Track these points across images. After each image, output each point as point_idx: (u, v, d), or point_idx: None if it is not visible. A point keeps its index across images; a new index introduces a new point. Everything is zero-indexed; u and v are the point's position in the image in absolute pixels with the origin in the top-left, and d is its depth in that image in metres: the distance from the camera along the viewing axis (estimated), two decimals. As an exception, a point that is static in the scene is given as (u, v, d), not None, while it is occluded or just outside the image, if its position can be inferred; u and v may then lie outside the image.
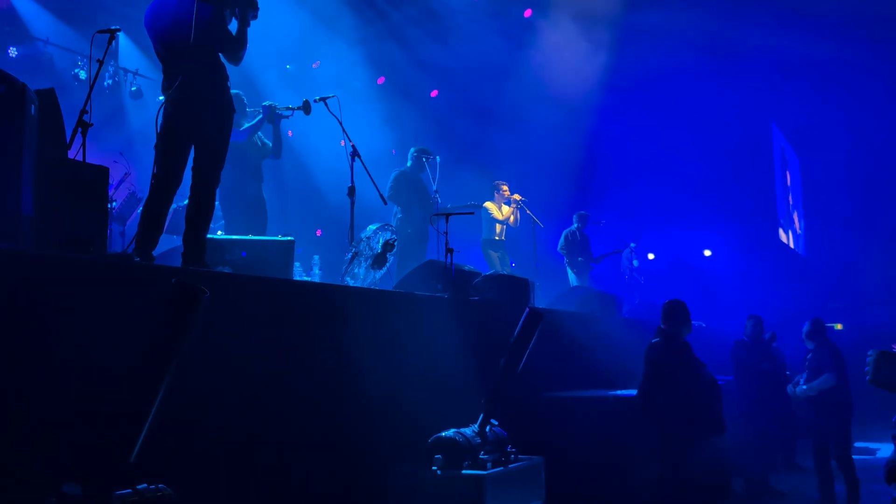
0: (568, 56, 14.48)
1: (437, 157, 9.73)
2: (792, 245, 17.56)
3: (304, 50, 12.07)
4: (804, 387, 7.96)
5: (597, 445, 6.24)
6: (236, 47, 5.34)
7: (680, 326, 6.58)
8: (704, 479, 7.62)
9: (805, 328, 8.14)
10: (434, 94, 14.01)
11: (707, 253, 15.69)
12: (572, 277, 12.08)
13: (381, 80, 13.29)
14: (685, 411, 6.20)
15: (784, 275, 15.84)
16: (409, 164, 9.83)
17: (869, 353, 2.39)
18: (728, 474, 7.87)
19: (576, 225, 12.25)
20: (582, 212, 12.45)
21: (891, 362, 2.29)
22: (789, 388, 8.37)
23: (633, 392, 6.47)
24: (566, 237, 12.16)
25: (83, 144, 4.68)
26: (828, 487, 7.68)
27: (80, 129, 4.70)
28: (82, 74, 10.22)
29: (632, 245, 13.16)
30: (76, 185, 4.29)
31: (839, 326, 15.58)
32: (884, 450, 12.02)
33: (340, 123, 7.31)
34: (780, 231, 16.52)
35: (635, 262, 12.84)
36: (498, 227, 11.04)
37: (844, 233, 17.29)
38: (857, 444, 12.75)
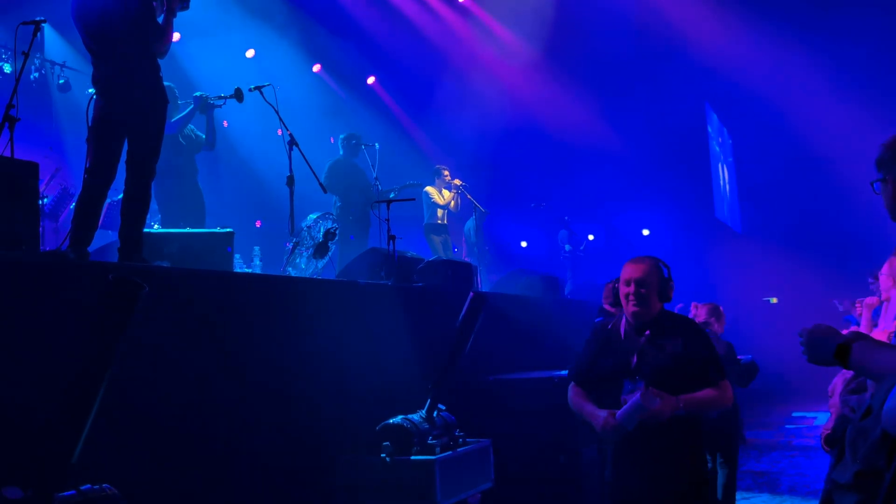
0: (504, 38, 14.56)
1: (377, 144, 9.69)
2: (728, 222, 17.92)
3: (237, 39, 11.88)
4: None
5: (543, 425, 6.30)
6: (162, 39, 5.25)
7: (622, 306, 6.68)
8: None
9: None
10: (371, 80, 13.92)
11: (645, 232, 15.92)
12: None
13: (317, 68, 13.15)
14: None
15: (720, 252, 16.17)
16: (341, 151, 9.79)
17: (800, 331, 2.43)
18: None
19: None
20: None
21: (825, 338, 2.34)
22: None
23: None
24: None
25: (10, 139, 4.55)
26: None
27: (6, 124, 4.57)
28: (7, 68, 9.91)
29: (567, 226, 13.26)
30: (5, 181, 4.16)
31: (774, 300, 16.01)
32: (820, 418, 12.42)
33: (277, 112, 7.22)
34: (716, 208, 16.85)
35: (568, 247, 12.94)
36: (440, 213, 11.05)
37: (778, 209, 17.70)
38: (795, 414, 13.18)
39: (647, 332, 4.02)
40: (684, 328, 4.10)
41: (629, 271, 4.07)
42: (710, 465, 6.87)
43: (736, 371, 6.80)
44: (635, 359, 3.97)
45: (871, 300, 5.93)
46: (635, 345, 4.01)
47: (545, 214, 13.35)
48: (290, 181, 7.20)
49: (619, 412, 3.75)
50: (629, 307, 4.04)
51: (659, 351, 3.96)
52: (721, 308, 7.03)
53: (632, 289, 4.02)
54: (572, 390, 4.27)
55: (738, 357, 6.94)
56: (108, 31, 4.98)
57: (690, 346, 3.96)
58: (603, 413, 3.88)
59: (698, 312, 7.03)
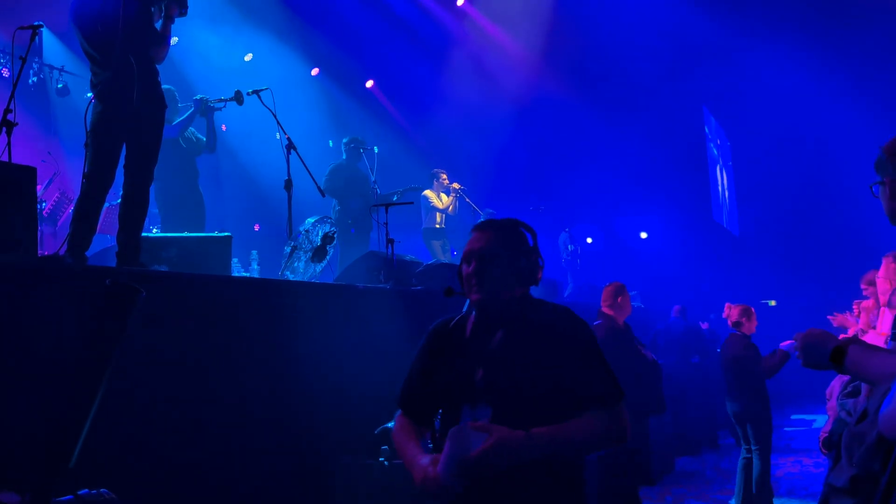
0: (502, 42, 14.57)
1: (375, 148, 9.70)
2: (726, 225, 17.93)
3: (236, 43, 11.89)
4: None
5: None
6: (160, 44, 5.25)
7: (621, 308, 6.70)
8: (641, 456, 7.76)
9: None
10: (370, 84, 13.93)
11: (643, 235, 15.93)
12: None
13: (315, 72, 13.16)
14: (629, 391, 6.30)
15: (718, 255, 16.19)
16: (343, 155, 9.80)
17: (795, 336, 2.44)
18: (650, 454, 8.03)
19: None
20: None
21: (820, 342, 2.34)
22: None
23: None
24: None
25: (8, 144, 4.55)
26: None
27: (4, 129, 4.57)
28: (5, 72, 9.93)
29: (567, 229, 13.30)
30: (3, 186, 4.16)
31: (773, 303, 16.00)
32: (819, 421, 12.43)
33: (275, 116, 7.22)
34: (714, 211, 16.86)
35: (570, 247, 12.96)
36: (438, 216, 11.05)
37: (776, 211, 17.71)
38: (794, 417, 13.18)
39: (500, 332, 2.57)
40: (558, 323, 2.55)
41: (470, 242, 2.67)
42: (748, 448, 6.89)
43: (764, 367, 6.84)
44: (481, 372, 2.51)
45: (869, 303, 5.93)
46: (483, 351, 2.55)
47: (544, 217, 13.36)
48: (288, 185, 7.19)
49: (440, 461, 2.36)
50: (471, 293, 2.63)
51: (517, 359, 2.48)
52: (753, 309, 7.06)
53: (472, 267, 2.62)
54: (398, 422, 2.74)
55: (776, 349, 6.92)
56: (106, 37, 4.98)
57: (566, 351, 2.49)
58: (423, 461, 2.44)
59: (731, 313, 7.07)
